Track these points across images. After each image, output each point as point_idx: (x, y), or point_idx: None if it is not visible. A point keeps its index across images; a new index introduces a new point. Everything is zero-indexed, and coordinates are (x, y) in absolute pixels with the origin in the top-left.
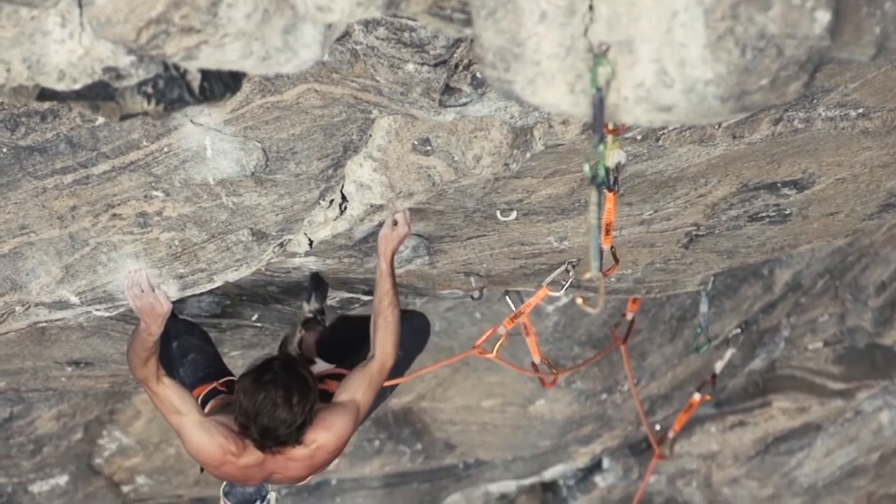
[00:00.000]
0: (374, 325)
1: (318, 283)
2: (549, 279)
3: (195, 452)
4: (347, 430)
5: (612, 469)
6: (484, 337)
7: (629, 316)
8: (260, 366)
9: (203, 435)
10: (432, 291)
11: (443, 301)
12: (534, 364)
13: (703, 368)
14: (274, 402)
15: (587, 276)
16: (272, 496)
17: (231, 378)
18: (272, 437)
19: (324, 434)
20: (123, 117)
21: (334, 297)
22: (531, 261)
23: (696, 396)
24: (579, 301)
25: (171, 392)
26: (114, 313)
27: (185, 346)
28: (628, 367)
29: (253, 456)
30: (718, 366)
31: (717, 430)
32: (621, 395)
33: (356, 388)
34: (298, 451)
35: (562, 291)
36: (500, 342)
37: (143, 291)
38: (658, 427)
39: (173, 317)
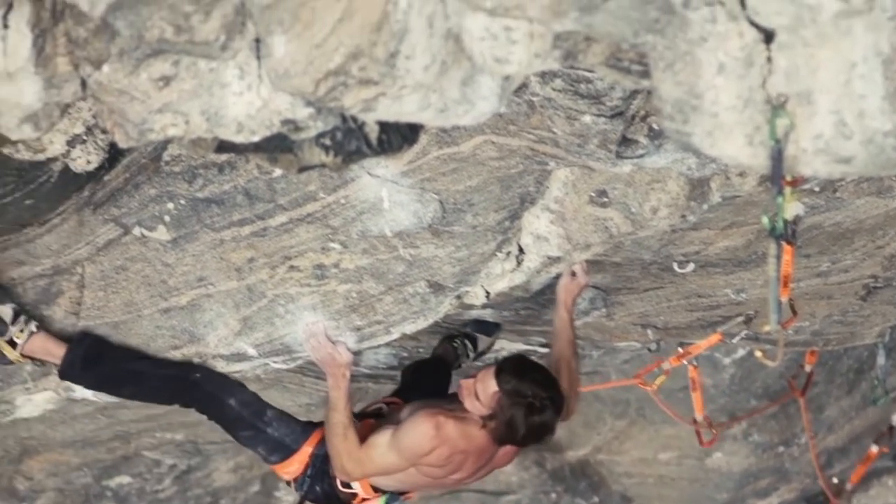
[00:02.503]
0: (556, 371)
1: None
2: (724, 327)
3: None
4: None
5: None
6: (648, 368)
7: (808, 368)
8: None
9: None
10: (609, 343)
11: (619, 353)
12: (694, 420)
13: (880, 421)
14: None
15: (766, 328)
16: None
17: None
18: (550, 430)
19: None
20: (301, 169)
21: (511, 349)
22: (708, 313)
23: (874, 449)
24: (758, 353)
25: (371, 451)
26: (291, 365)
27: (248, 400)
28: (807, 420)
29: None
30: (895, 418)
31: (894, 483)
32: (798, 448)
33: None
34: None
35: (736, 339)
36: (662, 378)
37: (320, 344)
38: (835, 480)
39: (208, 378)
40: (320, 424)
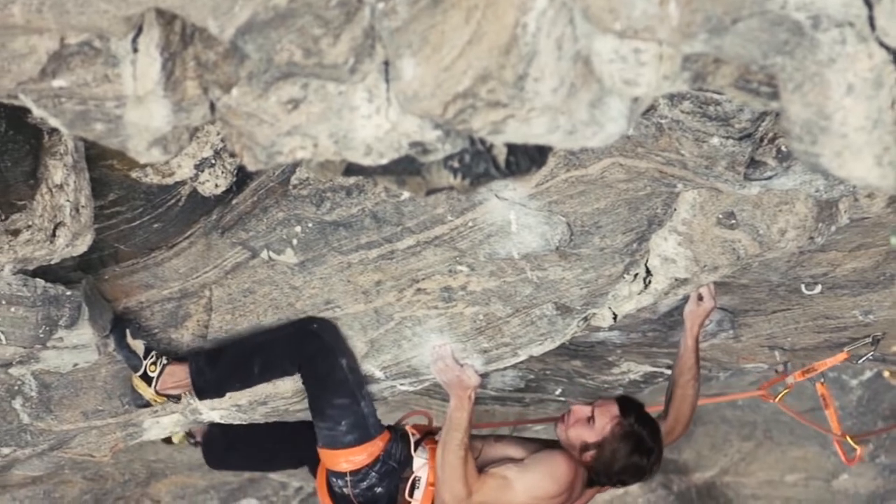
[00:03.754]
0: (670, 395)
1: None
2: (851, 347)
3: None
4: None
5: None
6: (772, 381)
7: None
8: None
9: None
10: (736, 365)
11: (747, 374)
12: (836, 440)
13: None
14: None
15: (894, 349)
16: None
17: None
18: (639, 476)
19: None
20: (429, 192)
21: (639, 372)
22: (836, 334)
23: None
24: (886, 374)
25: (491, 481)
26: (418, 387)
27: (354, 367)
28: None
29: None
30: None
31: None
32: None
33: None
34: (592, 490)
35: (862, 360)
36: (785, 391)
37: (447, 366)
38: None
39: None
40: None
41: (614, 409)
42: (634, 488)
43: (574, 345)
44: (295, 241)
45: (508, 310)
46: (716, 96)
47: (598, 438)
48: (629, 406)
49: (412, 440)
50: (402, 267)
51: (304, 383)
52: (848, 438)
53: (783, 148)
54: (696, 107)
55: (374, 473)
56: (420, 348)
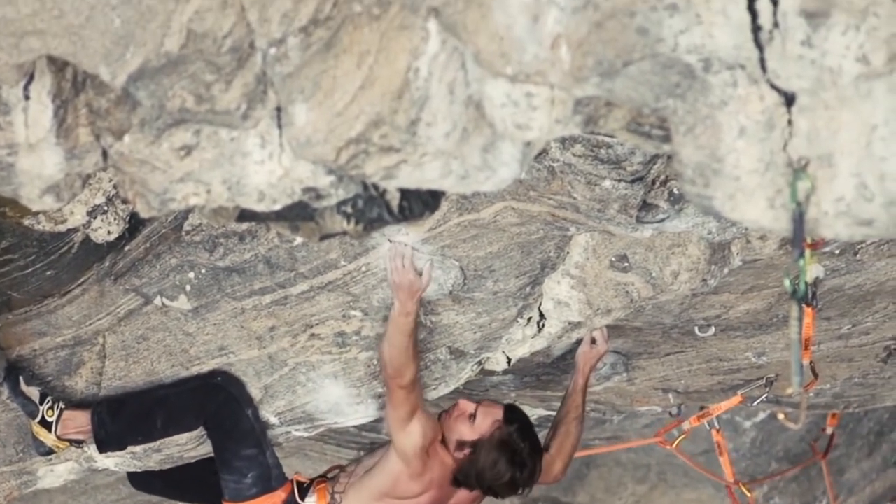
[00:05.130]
0: (554, 431)
1: None
2: (745, 389)
3: (413, 445)
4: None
5: None
6: (668, 427)
7: (829, 431)
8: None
9: (430, 425)
10: (630, 408)
11: (640, 417)
12: (731, 482)
13: None
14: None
15: (788, 391)
16: None
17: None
18: (509, 489)
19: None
20: (322, 237)
21: (532, 416)
22: (729, 376)
23: None
24: (780, 416)
25: (418, 393)
26: (313, 433)
27: (258, 416)
28: (829, 483)
29: (451, 463)
30: None
31: None
32: None
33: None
34: (466, 496)
35: (757, 402)
36: (682, 437)
37: (403, 267)
38: None
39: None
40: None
41: (498, 413)
42: None
43: (468, 389)
44: (188, 288)
45: None
46: (608, 139)
47: (475, 437)
48: (514, 415)
49: (295, 488)
50: (295, 312)
51: (209, 436)
52: (741, 486)
53: (675, 190)
54: (588, 150)
55: None
56: (314, 394)
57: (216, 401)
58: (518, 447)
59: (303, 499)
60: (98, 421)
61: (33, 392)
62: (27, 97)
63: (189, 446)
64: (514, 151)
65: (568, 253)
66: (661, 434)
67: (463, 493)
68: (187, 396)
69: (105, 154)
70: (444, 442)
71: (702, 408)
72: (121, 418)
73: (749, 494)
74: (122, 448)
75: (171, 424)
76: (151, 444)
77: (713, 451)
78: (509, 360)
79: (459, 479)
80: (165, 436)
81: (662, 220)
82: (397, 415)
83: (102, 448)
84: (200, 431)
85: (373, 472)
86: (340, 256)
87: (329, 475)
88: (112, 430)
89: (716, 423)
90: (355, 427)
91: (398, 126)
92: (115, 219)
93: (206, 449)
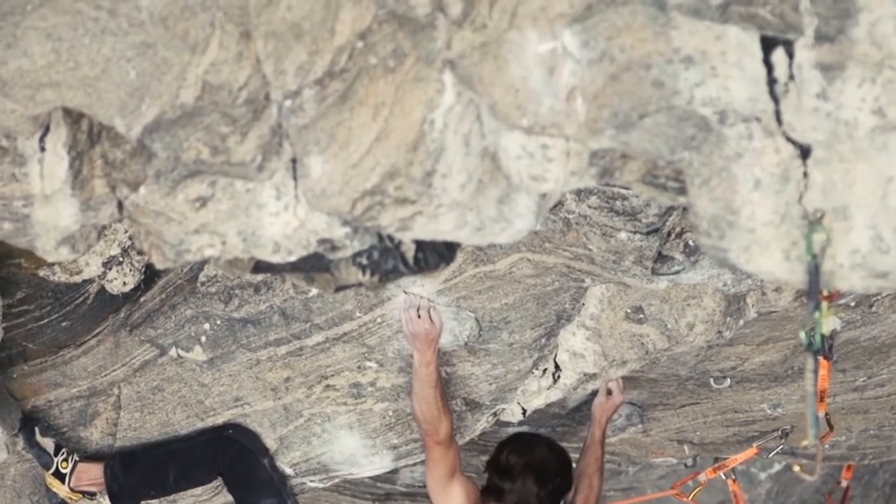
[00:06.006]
0: (576, 486)
1: None
2: (760, 441)
3: None
4: None
5: None
6: (684, 480)
7: (844, 483)
8: (513, 437)
9: (471, 490)
10: (645, 459)
11: (655, 469)
12: None
13: None
14: (551, 449)
15: (804, 443)
16: None
17: None
18: (544, 488)
19: None
20: (338, 288)
21: None
22: (744, 428)
23: None
24: (796, 468)
25: (456, 451)
26: (328, 484)
27: (276, 465)
28: None
29: None
30: None
31: None
32: None
33: None
34: None
35: (772, 454)
36: (699, 488)
37: (417, 317)
38: None
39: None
40: None
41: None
42: None
43: (483, 440)
44: (203, 339)
45: None
46: (623, 191)
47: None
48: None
49: None
50: (310, 363)
51: (229, 490)
52: None
53: (691, 242)
54: (604, 202)
55: None
56: (329, 445)
57: (229, 454)
58: (536, 462)
59: None
60: (111, 475)
61: (48, 443)
62: (43, 149)
63: (204, 497)
64: (530, 203)
65: (583, 304)
66: (677, 486)
67: None
68: (199, 450)
69: (120, 205)
70: None
71: (717, 459)
72: (133, 472)
73: None
74: (136, 502)
75: (184, 478)
76: (166, 497)
77: (728, 503)
78: (524, 411)
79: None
80: (178, 490)
81: (678, 272)
82: (437, 474)
83: (116, 501)
84: (216, 482)
85: None
86: (356, 308)
87: None
88: (125, 484)
89: (732, 474)
90: (370, 478)
91: (414, 178)
92: (130, 270)
93: (221, 500)
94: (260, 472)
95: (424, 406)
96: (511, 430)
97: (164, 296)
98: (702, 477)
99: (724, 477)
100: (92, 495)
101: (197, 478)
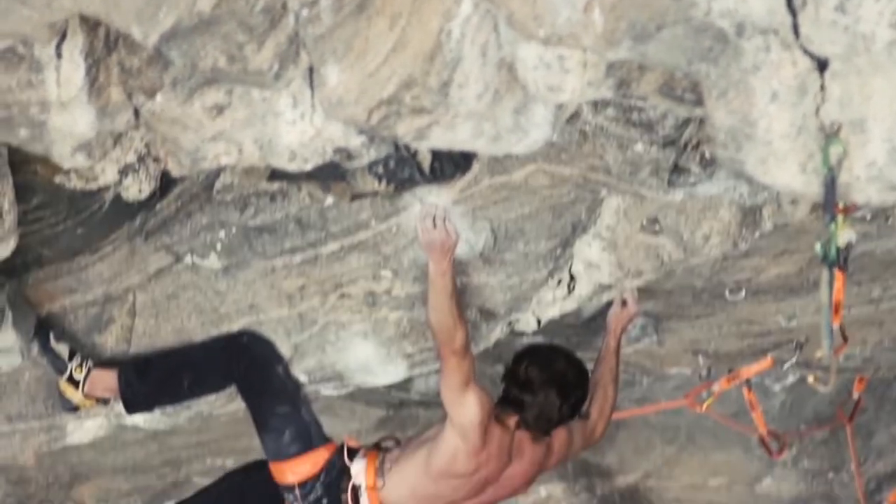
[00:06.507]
0: (591, 396)
1: None
2: (775, 353)
3: (471, 419)
4: (552, 460)
5: None
6: (698, 389)
7: (855, 395)
8: (532, 348)
9: (485, 399)
10: (659, 370)
11: (670, 380)
12: (760, 437)
13: None
14: (570, 362)
15: (818, 354)
16: None
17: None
18: (566, 402)
19: (558, 442)
20: (354, 197)
21: None
22: (759, 340)
23: None
24: (810, 379)
25: (471, 361)
26: (342, 392)
27: (290, 372)
28: (853, 449)
29: (506, 434)
30: None
31: None
32: (848, 475)
33: (572, 433)
34: (536, 449)
35: (787, 365)
36: (712, 398)
37: (434, 226)
38: None
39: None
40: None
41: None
42: (558, 492)
43: (497, 350)
44: (219, 246)
45: None
46: (640, 103)
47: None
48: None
49: (346, 451)
50: (325, 272)
51: (243, 398)
52: (773, 437)
53: (707, 154)
54: (621, 113)
55: (319, 485)
56: (344, 353)
57: (243, 362)
58: (558, 376)
59: (351, 460)
60: (125, 381)
61: (63, 349)
62: (59, 56)
63: (218, 403)
64: (546, 113)
65: (599, 215)
66: (692, 396)
67: (516, 467)
68: (214, 358)
69: (137, 113)
70: (496, 418)
71: (730, 370)
72: (147, 379)
73: (781, 440)
74: (150, 409)
75: (198, 385)
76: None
77: (742, 413)
78: (539, 322)
79: (534, 427)
80: (192, 397)
81: (694, 184)
82: (452, 384)
83: (130, 408)
84: (230, 389)
85: (428, 448)
86: (371, 217)
87: (383, 444)
88: (139, 391)
89: (747, 384)
90: (384, 386)
91: (430, 87)
92: (146, 177)
93: (236, 406)
94: (274, 379)
95: (440, 316)
96: (526, 341)
97: (179, 203)
98: (715, 387)
99: (738, 387)
100: (105, 401)
101: (211, 385)
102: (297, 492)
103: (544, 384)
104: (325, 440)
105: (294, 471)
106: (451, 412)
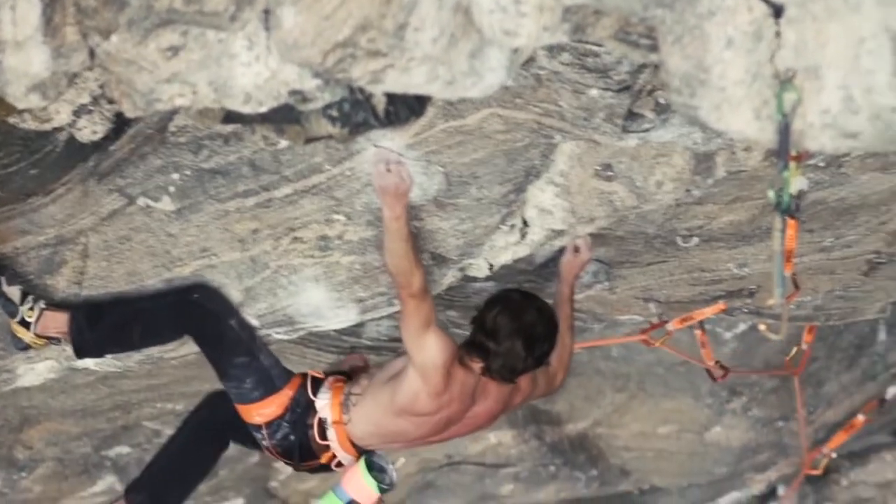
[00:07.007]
0: None
1: None
2: (727, 300)
3: (431, 361)
4: (517, 399)
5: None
6: (654, 326)
7: (804, 346)
8: (503, 295)
9: (447, 341)
10: (611, 317)
11: (621, 326)
12: (707, 368)
13: (878, 396)
14: (541, 314)
15: (770, 302)
16: (394, 471)
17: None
18: (532, 354)
19: (524, 381)
20: (308, 140)
21: None
22: (711, 287)
23: (860, 417)
24: (762, 327)
25: (430, 304)
26: (293, 336)
27: (245, 323)
28: (800, 398)
29: (470, 377)
30: (891, 391)
31: (893, 459)
32: (797, 423)
33: (536, 376)
34: (501, 389)
35: (738, 313)
36: (665, 337)
37: (388, 171)
38: (834, 455)
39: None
40: (297, 375)
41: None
42: (507, 439)
43: (449, 295)
44: (172, 189)
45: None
46: (595, 48)
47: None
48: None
49: (309, 383)
50: (278, 215)
51: (201, 350)
52: (719, 365)
53: (661, 100)
54: (576, 58)
55: (285, 423)
56: (295, 297)
57: (194, 317)
58: (526, 327)
59: (315, 394)
60: (76, 328)
61: (14, 292)
62: None
63: (170, 347)
64: (502, 58)
65: (553, 161)
66: (647, 332)
67: (480, 407)
68: (164, 312)
69: (92, 53)
70: (461, 361)
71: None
72: (98, 328)
73: (725, 371)
74: (100, 356)
75: (148, 337)
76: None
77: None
78: (491, 267)
79: (497, 376)
80: (143, 347)
81: (648, 130)
82: (412, 326)
83: (80, 354)
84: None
85: (392, 386)
86: (325, 160)
87: (348, 369)
88: (89, 338)
89: (699, 326)
90: (336, 331)
91: (386, 30)
92: (100, 119)
93: (187, 349)
94: (228, 333)
95: (396, 259)
96: (478, 286)
97: (133, 145)
98: (669, 326)
99: (691, 329)
100: (57, 341)
101: (161, 337)
102: (264, 431)
103: (511, 334)
104: (288, 378)
105: (259, 413)
106: (413, 355)
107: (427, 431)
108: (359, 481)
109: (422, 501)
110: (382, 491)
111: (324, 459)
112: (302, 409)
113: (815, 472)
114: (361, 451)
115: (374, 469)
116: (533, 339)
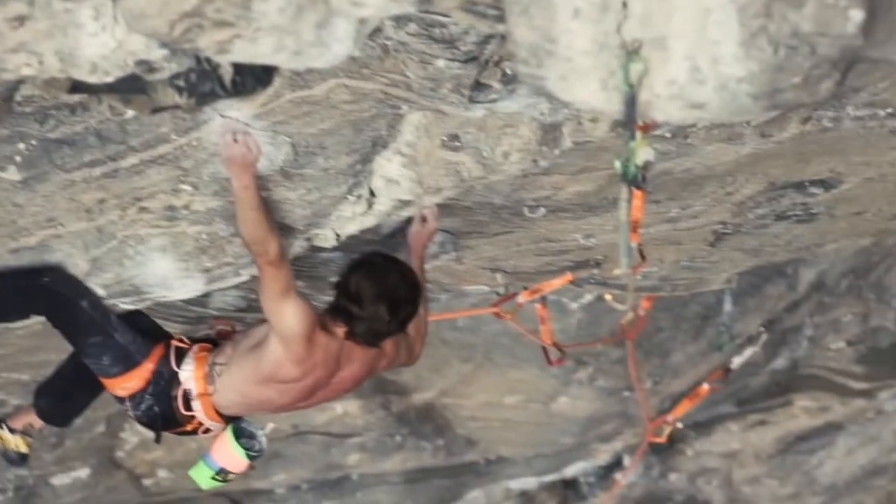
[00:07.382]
0: None
1: None
2: (573, 270)
3: (292, 329)
4: (382, 364)
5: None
6: (504, 298)
7: (641, 312)
8: (366, 259)
9: (307, 309)
10: (458, 287)
11: (468, 297)
12: (544, 348)
13: (725, 366)
14: (404, 277)
15: (616, 272)
16: (263, 437)
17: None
18: (396, 317)
19: (389, 345)
20: (154, 111)
21: None
22: (558, 258)
23: (705, 386)
24: (608, 297)
25: (287, 272)
26: (140, 306)
27: (97, 302)
28: (632, 365)
29: (334, 342)
30: (736, 361)
31: (738, 429)
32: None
33: (399, 341)
34: (366, 353)
35: (585, 284)
36: (516, 309)
37: (235, 141)
38: (679, 425)
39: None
40: (161, 341)
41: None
42: (354, 409)
43: (297, 265)
44: (18, 159)
45: (231, 229)
46: (442, 19)
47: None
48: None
49: (172, 354)
50: (125, 185)
51: (58, 330)
52: (555, 346)
53: (508, 71)
54: (422, 29)
55: (148, 396)
56: (142, 267)
57: (43, 300)
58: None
59: (179, 365)
60: None
61: None
62: None
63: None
64: (348, 28)
65: (400, 131)
66: (499, 304)
67: (346, 372)
68: (10, 296)
69: None
70: (323, 326)
71: (526, 288)
72: None
73: (563, 353)
74: None
75: None
76: None
77: (537, 332)
78: (338, 237)
79: (361, 340)
80: None
81: (495, 101)
82: (270, 294)
83: None
84: None
85: (255, 355)
86: (171, 130)
87: (215, 335)
88: None
89: (541, 300)
90: (182, 301)
91: (233, 0)
92: None
93: (33, 320)
94: (80, 315)
95: (250, 228)
96: (325, 256)
97: None
98: (520, 299)
99: (537, 302)
100: None
101: (11, 319)
102: (128, 403)
103: (375, 298)
104: (149, 350)
105: (122, 387)
106: (273, 322)
107: (293, 398)
108: (228, 449)
109: (268, 471)
110: (252, 458)
111: (189, 427)
112: (165, 381)
113: (658, 441)
114: (228, 419)
115: (243, 436)
116: (397, 302)
